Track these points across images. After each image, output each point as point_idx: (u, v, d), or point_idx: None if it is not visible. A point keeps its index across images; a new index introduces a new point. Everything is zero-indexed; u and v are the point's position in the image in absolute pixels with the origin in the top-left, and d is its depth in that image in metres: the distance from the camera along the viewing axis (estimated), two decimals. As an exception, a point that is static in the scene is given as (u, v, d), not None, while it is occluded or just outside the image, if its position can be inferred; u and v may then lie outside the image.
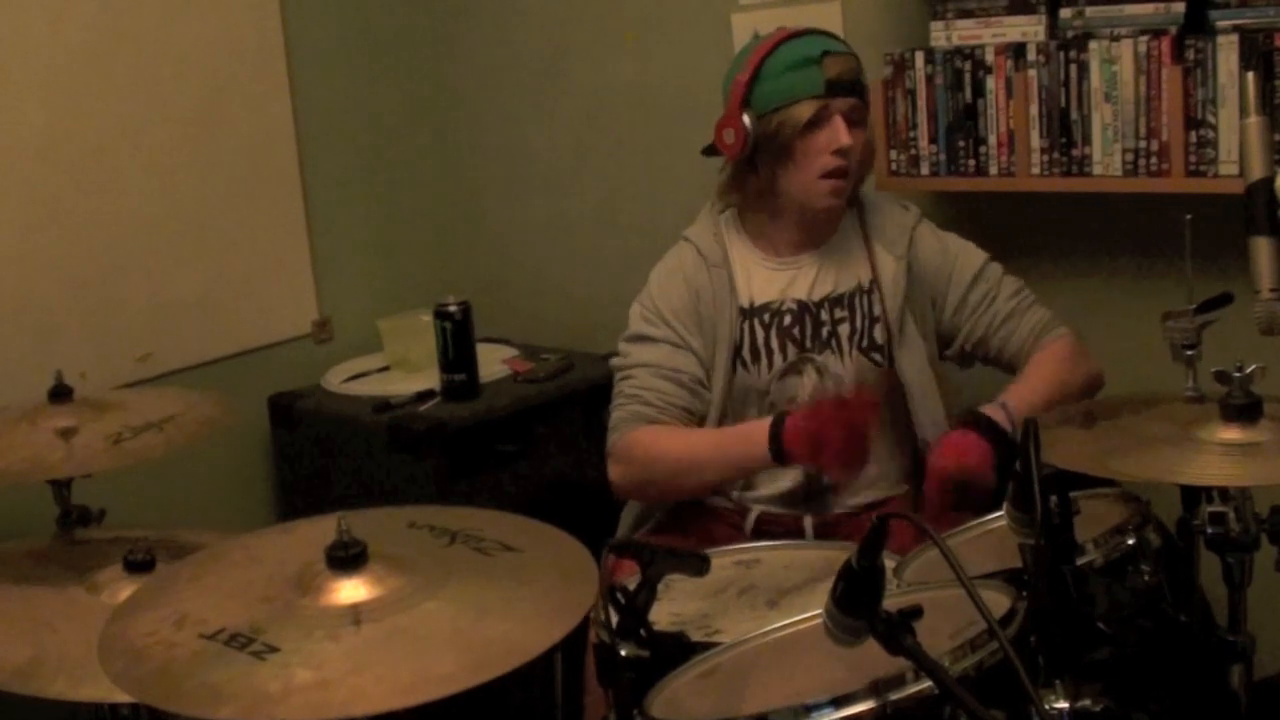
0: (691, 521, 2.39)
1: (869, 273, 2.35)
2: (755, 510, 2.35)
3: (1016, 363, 2.36)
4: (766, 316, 2.33)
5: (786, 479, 2.33)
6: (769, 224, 2.37)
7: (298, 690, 1.34)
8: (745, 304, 2.34)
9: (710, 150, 2.36)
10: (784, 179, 2.29)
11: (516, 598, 1.49)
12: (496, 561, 1.56)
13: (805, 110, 2.23)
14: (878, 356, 2.33)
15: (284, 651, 1.39)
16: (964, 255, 2.39)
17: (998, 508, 1.99)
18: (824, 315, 2.33)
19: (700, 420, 2.33)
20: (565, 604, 1.46)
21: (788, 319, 2.33)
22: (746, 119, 2.26)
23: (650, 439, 2.29)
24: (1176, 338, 1.93)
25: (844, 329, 2.33)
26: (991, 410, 2.20)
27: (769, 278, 2.36)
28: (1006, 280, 2.39)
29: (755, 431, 2.18)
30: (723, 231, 2.38)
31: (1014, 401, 2.21)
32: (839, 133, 2.23)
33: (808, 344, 2.32)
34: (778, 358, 2.32)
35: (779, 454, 2.14)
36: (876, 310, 2.33)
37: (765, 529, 2.34)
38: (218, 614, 1.48)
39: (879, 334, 2.33)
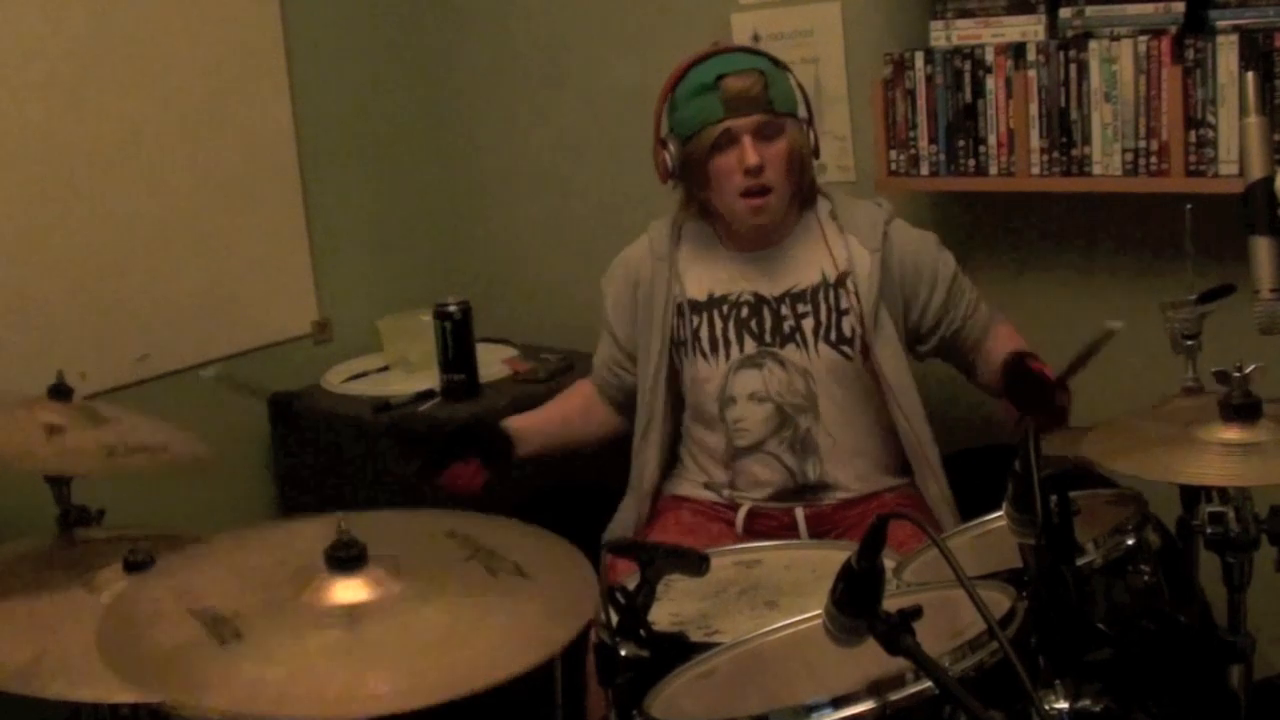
0: (685, 520, 2.41)
1: (834, 267, 2.36)
2: (746, 505, 2.37)
3: (976, 349, 2.43)
4: (725, 308, 2.38)
5: (774, 478, 2.37)
6: (724, 228, 2.42)
7: (243, 682, 1.37)
8: (702, 297, 2.39)
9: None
10: (712, 199, 2.35)
11: (494, 623, 1.48)
12: (498, 583, 1.56)
13: (709, 136, 2.28)
14: (847, 349, 2.35)
15: (246, 643, 1.42)
16: (941, 258, 2.43)
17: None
18: (784, 310, 2.36)
19: (627, 395, 2.50)
20: (539, 636, 1.46)
21: (744, 311, 2.37)
22: (671, 145, 2.34)
23: None
24: (1177, 327, 1.93)
25: (807, 323, 2.35)
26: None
27: (727, 270, 2.40)
28: (965, 276, 2.45)
29: None
30: (684, 226, 2.44)
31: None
32: (746, 153, 2.27)
33: (767, 338, 2.36)
34: (735, 349, 2.36)
35: None
36: (844, 303, 2.35)
37: (757, 524, 2.37)
38: (215, 595, 1.52)
39: (848, 326, 2.35)
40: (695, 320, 2.38)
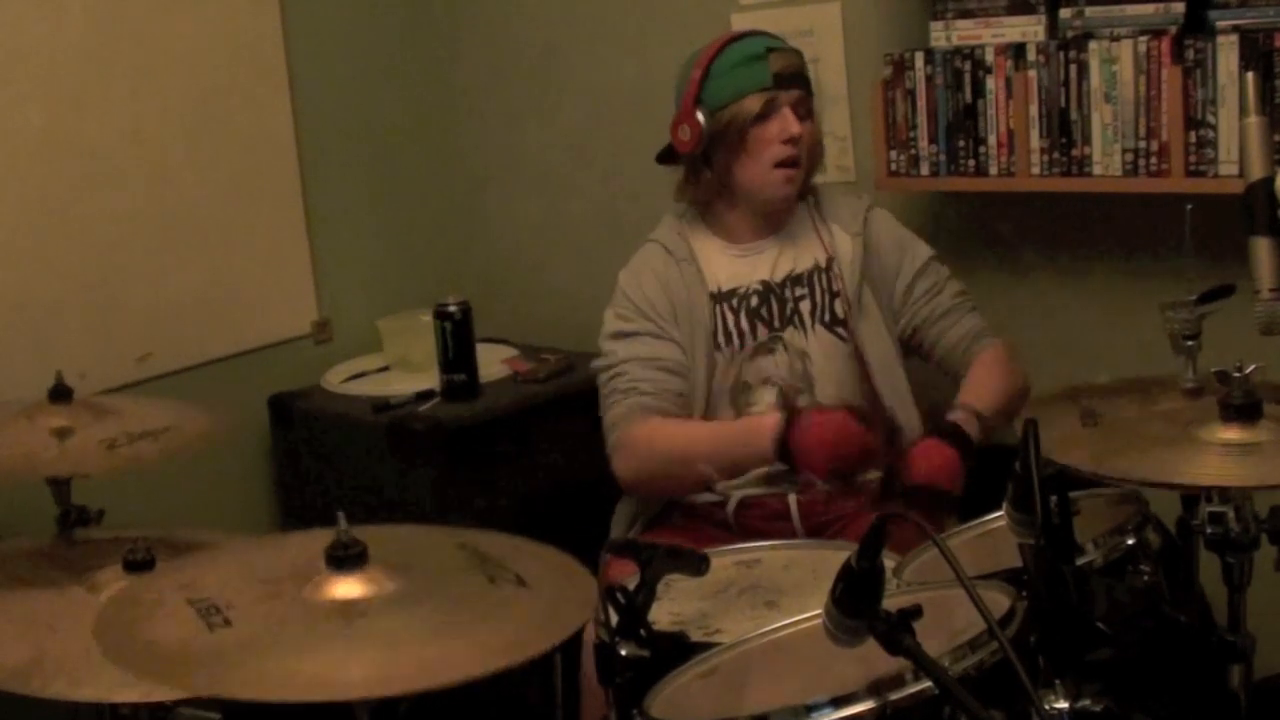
0: (677, 520, 2.42)
1: (824, 254, 2.42)
2: (736, 495, 2.38)
3: (947, 361, 2.45)
4: (735, 301, 2.41)
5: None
6: (727, 215, 2.45)
7: (222, 664, 1.40)
8: (714, 290, 2.41)
9: (664, 157, 2.46)
10: (739, 171, 2.37)
11: (480, 625, 1.48)
12: (495, 590, 1.55)
13: (755, 103, 2.33)
14: (841, 330, 2.40)
15: (234, 629, 1.44)
16: (914, 245, 2.48)
17: (957, 512, 2.15)
18: (787, 293, 2.41)
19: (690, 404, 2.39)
20: (522, 640, 1.45)
21: (755, 300, 2.41)
22: (700, 116, 2.35)
23: (653, 430, 2.34)
24: (1177, 328, 1.93)
25: (805, 305, 2.41)
26: (962, 418, 2.28)
27: (733, 264, 2.44)
28: (951, 280, 2.48)
29: (758, 427, 2.23)
30: (685, 229, 2.46)
31: (979, 403, 2.30)
32: (788, 122, 2.33)
33: (776, 323, 2.40)
34: (749, 338, 2.40)
35: (784, 454, 2.19)
36: (835, 286, 2.41)
37: (749, 515, 2.37)
38: (215, 587, 1.53)
39: (839, 308, 2.40)
40: (717, 314, 2.41)
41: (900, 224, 2.50)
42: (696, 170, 2.42)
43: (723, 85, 2.35)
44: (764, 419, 2.24)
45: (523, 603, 1.53)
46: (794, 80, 2.36)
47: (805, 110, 2.37)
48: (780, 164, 2.35)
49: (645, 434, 2.33)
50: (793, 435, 2.17)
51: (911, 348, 2.49)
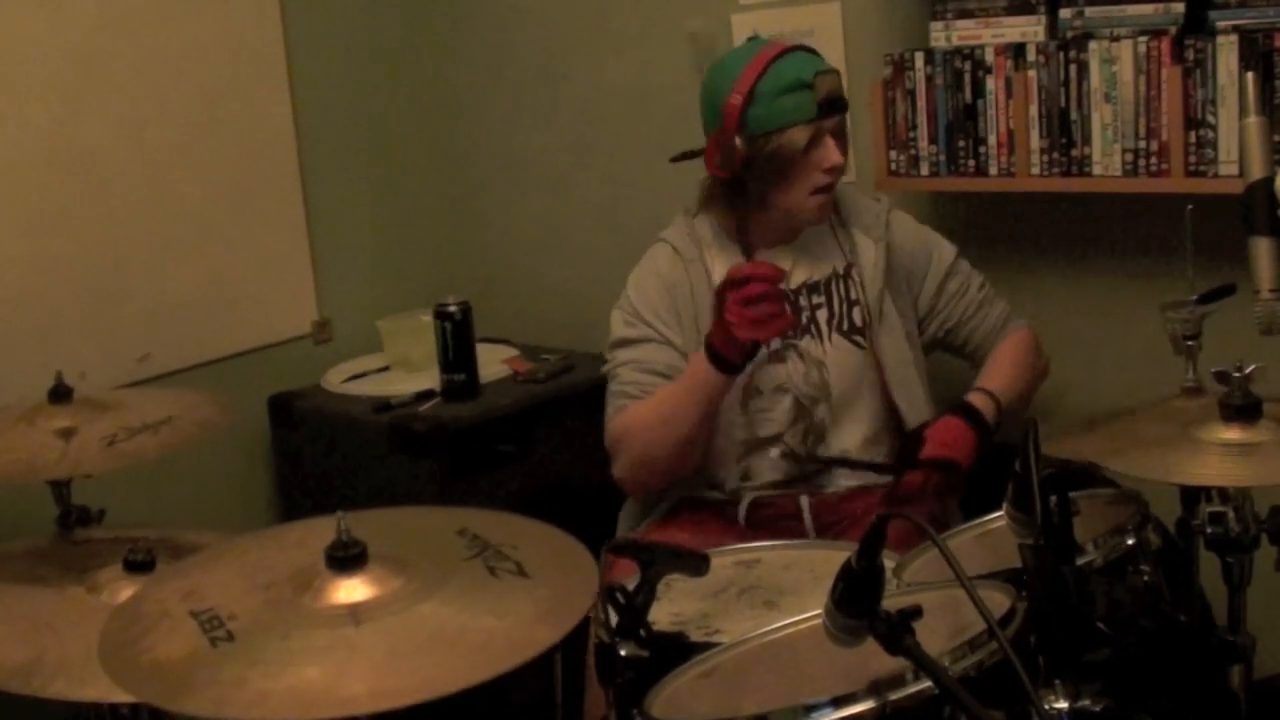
0: (688, 518, 2.41)
1: (843, 259, 2.41)
2: (748, 496, 2.38)
3: (979, 354, 2.47)
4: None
5: (779, 468, 2.37)
6: (747, 223, 2.39)
7: (225, 683, 1.39)
8: None
9: (680, 156, 2.40)
10: (775, 196, 2.33)
11: (482, 626, 1.48)
12: (496, 583, 1.55)
13: (801, 135, 2.26)
14: (859, 339, 2.39)
15: (237, 644, 1.44)
16: (940, 245, 2.48)
17: (963, 489, 2.24)
18: (803, 302, 2.39)
19: None
20: (525, 638, 1.45)
21: None
22: (739, 141, 2.26)
23: (626, 417, 2.35)
24: (1177, 328, 1.94)
25: (822, 314, 2.39)
26: (979, 399, 2.34)
27: None
28: (974, 273, 2.49)
29: (695, 359, 2.28)
30: (697, 230, 2.43)
31: (996, 388, 2.36)
32: (830, 152, 2.28)
33: (790, 331, 2.37)
34: (762, 345, 2.35)
35: (715, 358, 2.23)
36: (854, 294, 2.39)
37: (761, 515, 2.37)
38: (218, 595, 1.53)
39: (858, 316, 2.39)
40: None
41: (920, 224, 2.49)
42: (728, 191, 2.35)
43: (767, 113, 2.25)
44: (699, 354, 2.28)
45: (525, 595, 1.53)
46: (836, 105, 2.29)
47: (841, 130, 2.32)
48: (817, 190, 2.31)
49: (620, 424, 2.35)
50: (711, 342, 2.23)
51: (943, 345, 2.50)
